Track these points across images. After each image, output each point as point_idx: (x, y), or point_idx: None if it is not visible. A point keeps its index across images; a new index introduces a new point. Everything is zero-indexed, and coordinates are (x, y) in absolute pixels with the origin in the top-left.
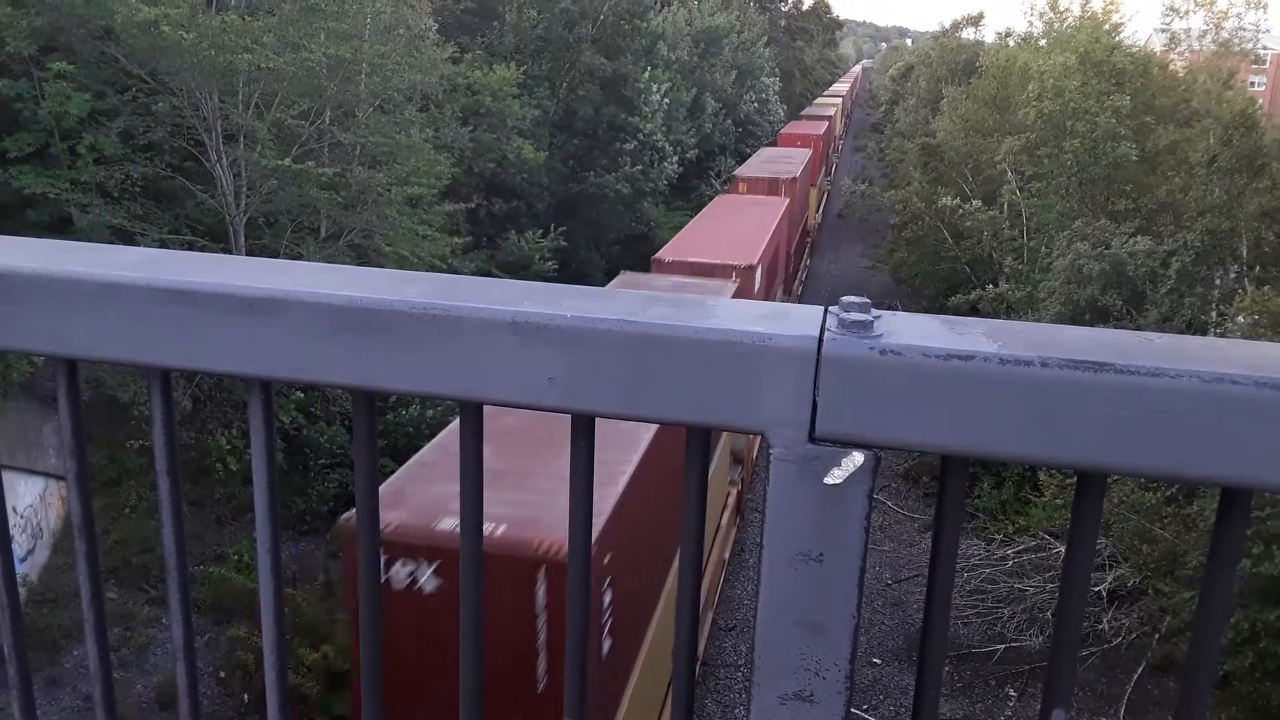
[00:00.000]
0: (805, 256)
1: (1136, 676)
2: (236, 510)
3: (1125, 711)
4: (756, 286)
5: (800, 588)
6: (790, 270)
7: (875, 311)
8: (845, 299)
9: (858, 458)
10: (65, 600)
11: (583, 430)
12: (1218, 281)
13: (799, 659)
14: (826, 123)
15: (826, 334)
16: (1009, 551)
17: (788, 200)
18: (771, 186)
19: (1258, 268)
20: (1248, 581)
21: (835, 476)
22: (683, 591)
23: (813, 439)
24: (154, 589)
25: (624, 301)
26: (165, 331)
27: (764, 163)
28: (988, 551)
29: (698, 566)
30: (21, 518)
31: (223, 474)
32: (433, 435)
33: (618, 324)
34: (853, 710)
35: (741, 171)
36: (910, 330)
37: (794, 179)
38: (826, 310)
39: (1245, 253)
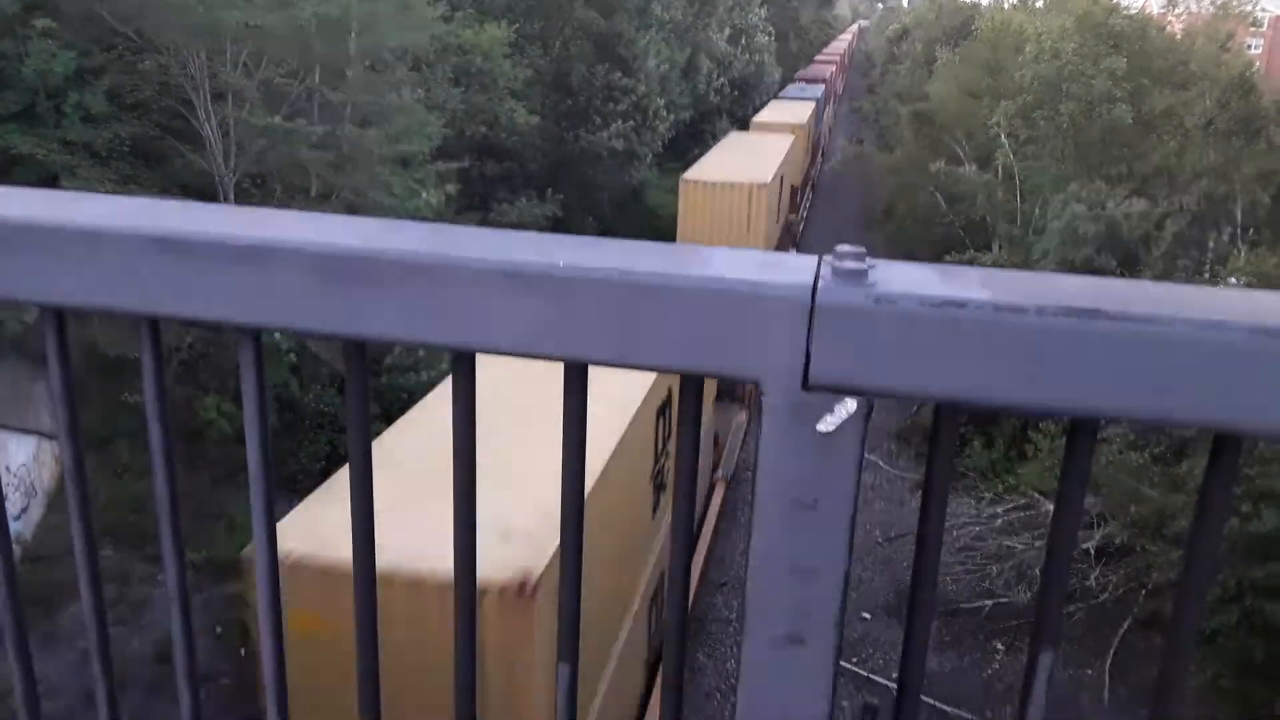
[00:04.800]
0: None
1: (1122, 631)
2: (230, 471)
3: (1111, 665)
4: None
5: (792, 534)
6: None
7: (870, 260)
8: (840, 248)
9: (850, 404)
10: (60, 557)
11: (575, 379)
12: (1211, 244)
13: (790, 603)
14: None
15: (820, 282)
16: (999, 509)
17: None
18: None
19: (1252, 230)
20: (1236, 540)
21: (828, 424)
22: (675, 544)
23: (806, 386)
24: (150, 547)
25: (618, 251)
26: (154, 280)
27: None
28: (978, 510)
29: (689, 522)
30: (15, 476)
31: (216, 436)
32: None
33: (612, 273)
34: (843, 662)
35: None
36: (904, 279)
37: None
38: (821, 259)
39: (1240, 215)
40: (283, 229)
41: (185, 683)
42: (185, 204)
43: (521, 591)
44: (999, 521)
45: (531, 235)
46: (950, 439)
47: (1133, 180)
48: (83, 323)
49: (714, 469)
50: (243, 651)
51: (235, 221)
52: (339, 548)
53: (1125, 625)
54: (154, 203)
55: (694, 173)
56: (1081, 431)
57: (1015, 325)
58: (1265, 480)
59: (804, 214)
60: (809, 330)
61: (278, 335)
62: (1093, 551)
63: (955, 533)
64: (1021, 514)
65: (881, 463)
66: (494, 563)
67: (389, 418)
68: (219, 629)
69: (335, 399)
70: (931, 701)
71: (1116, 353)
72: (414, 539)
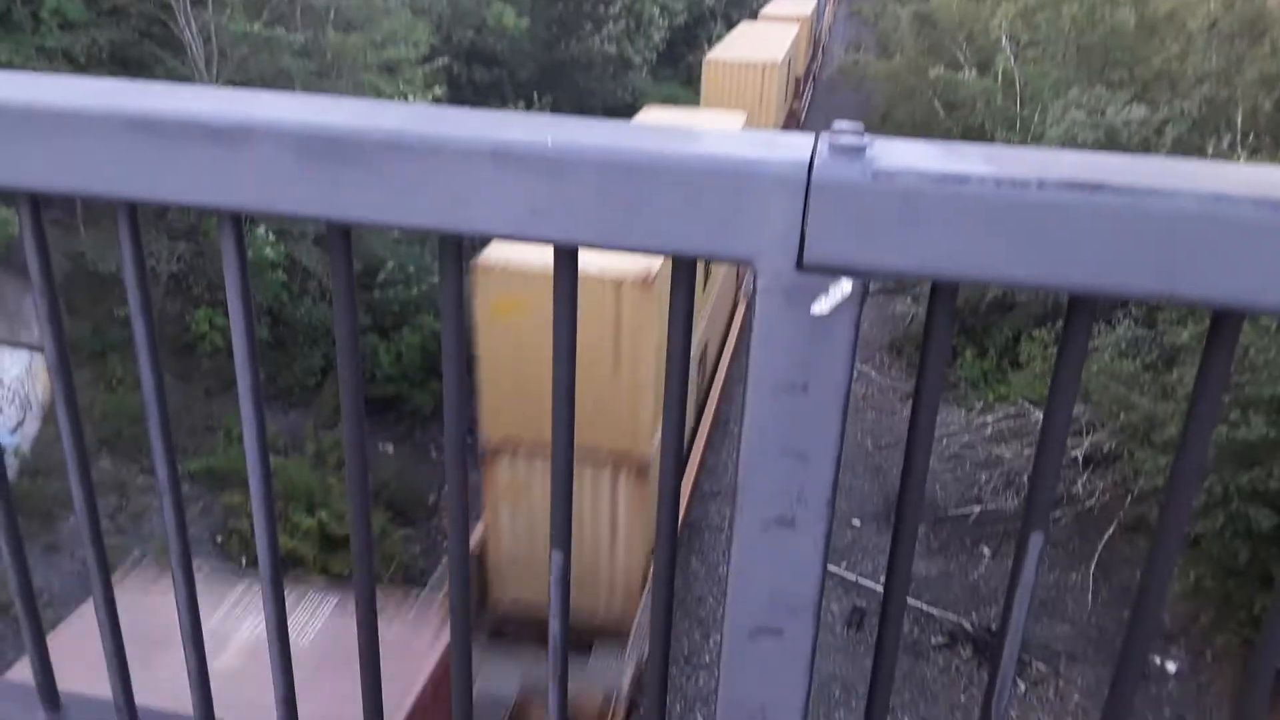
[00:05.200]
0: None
1: (1107, 536)
2: (224, 384)
3: (1095, 568)
4: None
5: (784, 417)
6: None
7: (869, 137)
8: (837, 123)
9: (846, 286)
10: (58, 470)
11: (565, 262)
12: (1210, 150)
13: (781, 486)
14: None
15: (817, 159)
16: (989, 418)
17: None
18: None
19: (1251, 136)
20: (1224, 447)
21: (822, 306)
22: (667, 429)
23: (800, 267)
24: (147, 459)
25: (609, 130)
26: (130, 162)
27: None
28: (968, 419)
29: (681, 410)
30: (9, 390)
31: (209, 349)
32: (418, 313)
33: (603, 152)
34: (832, 567)
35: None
36: (904, 154)
37: None
38: (818, 136)
39: (1240, 121)
40: (261, 108)
41: (179, 570)
42: (161, 84)
43: (645, 282)
44: (989, 430)
45: (521, 115)
46: (946, 321)
47: (1134, 85)
48: (70, 235)
49: (737, 289)
50: (243, 561)
51: (213, 101)
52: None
53: (1110, 530)
54: (128, 83)
55: (715, 54)
56: (1080, 309)
57: (1017, 199)
58: (1254, 388)
59: (806, 102)
60: (804, 208)
61: (268, 250)
62: (1080, 459)
63: (945, 441)
64: (1011, 423)
65: (873, 373)
66: (625, 267)
67: (381, 330)
68: (219, 538)
69: (327, 312)
70: (919, 604)
71: (1119, 227)
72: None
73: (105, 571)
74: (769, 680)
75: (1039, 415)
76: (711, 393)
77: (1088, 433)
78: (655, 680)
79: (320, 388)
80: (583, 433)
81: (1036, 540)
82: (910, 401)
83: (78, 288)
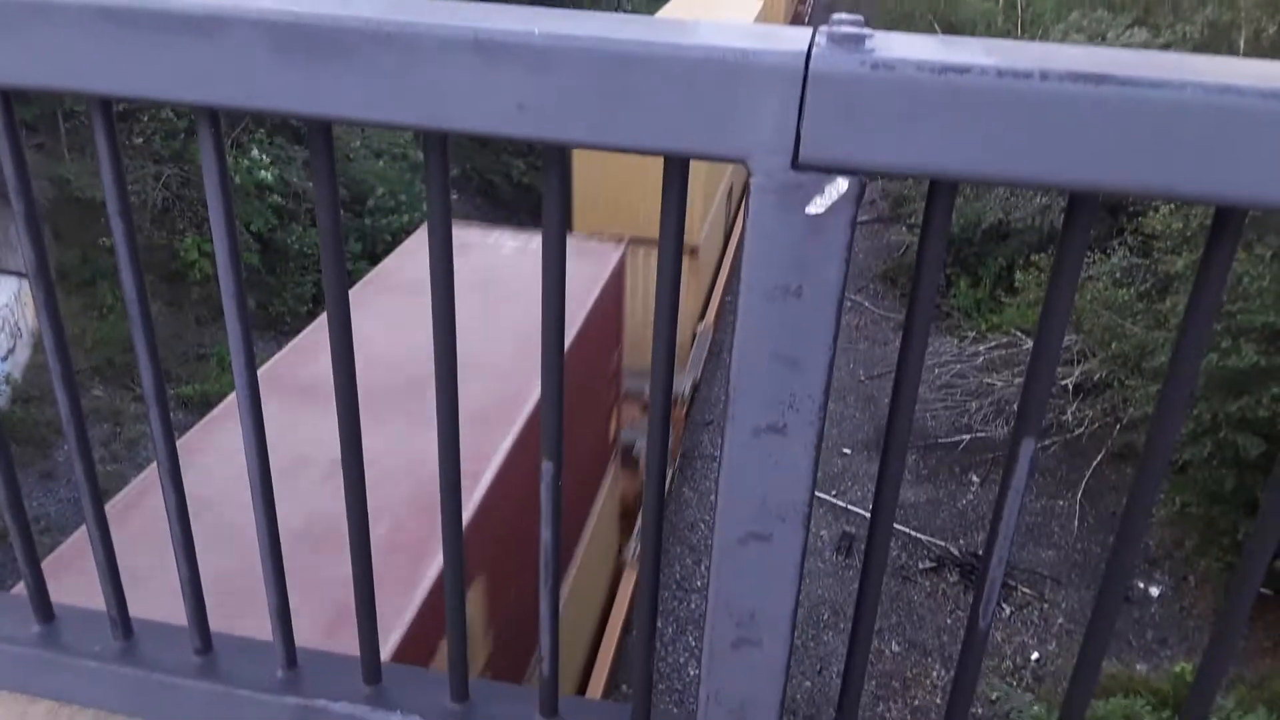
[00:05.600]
0: None
1: (1095, 464)
2: (214, 311)
3: (1082, 495)
4: None
5: (777, 321)
6: None
7: (869, 30)
8: (836, 15)
9: (841, 184)
10: (51, 397)
11: (554, 163)
12: None
13: (773, 392)
14: None
15: (815, 49)
16: (980, 348)
17: None
18: None
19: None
20: (1214, 375)
21: (817, 205)
22: (658, 344)
23: (795, 165)
24: (139, 386)
25: (598, 20)
26: (101, 55)
27: None
28: (960, 348)
29: (672, 317)
30: None
31: (198, 277)
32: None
33: (592, 43)
34: (820, 494)
35: None
36: (905, 46)
37: None
38: (816, 28)
39: (1243, 45)
40: None
41: (169, 481)
42: None
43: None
44: (980, 360)
45: (506, 6)
46: (944, 223)
47: (1135, 8)
48: (55, 161)
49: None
50: None
51: None
52: None
53: (1099, 458)
54: None
55: None
56: (1081, 205)
57: (1018, 91)
58: (1245, 316)
59: (810, 6)
60: (801, 102)
61: (263, 173)
62: (1071, 387)
63: (936, 370)
64: (1003, 352)
65: (866, 302)
66: None
67: (373, 258)
68: None
69: (317, 238)
70: (906, 530)
71: (1123, 119)
72: None
73: (95, 486)
74: (758, 585)
75: (1030, 344)
76: (711, 303)
77: (1078, 362)
78: (646, 603)
79: (312, 316)
80: (647, 227)
81: (1028, 446)
82: (903, 331)
83: (64, 215)
